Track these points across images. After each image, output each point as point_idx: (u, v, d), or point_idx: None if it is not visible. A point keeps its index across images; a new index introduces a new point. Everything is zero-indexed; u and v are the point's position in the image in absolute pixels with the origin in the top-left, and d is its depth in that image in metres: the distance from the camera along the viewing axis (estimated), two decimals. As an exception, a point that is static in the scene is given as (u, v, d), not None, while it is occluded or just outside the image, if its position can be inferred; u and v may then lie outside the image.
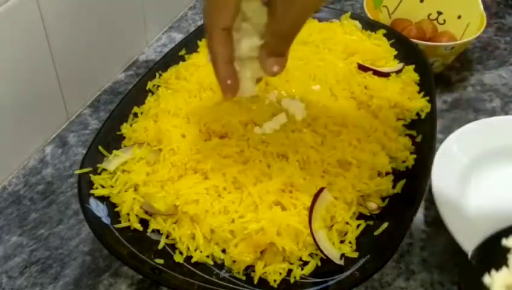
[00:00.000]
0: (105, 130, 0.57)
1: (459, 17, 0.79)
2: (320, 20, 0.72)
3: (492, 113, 0.73)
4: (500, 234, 0.39)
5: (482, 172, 0.61)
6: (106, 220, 0.50)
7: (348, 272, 0.46)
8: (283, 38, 0.45)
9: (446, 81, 0.78)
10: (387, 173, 0.54)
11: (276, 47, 0.45)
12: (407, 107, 0.60)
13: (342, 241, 0.49)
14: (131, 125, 0.59)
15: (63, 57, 0.64)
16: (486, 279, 0.36)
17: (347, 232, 0.50)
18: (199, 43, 0.70)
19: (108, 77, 0.76)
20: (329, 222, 0.49)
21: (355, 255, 0.48)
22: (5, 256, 0.55)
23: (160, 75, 0.65)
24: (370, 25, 0.72)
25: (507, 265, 0.37)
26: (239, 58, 0.45)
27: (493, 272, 0.36)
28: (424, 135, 0.58)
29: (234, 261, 0.48)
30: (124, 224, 0.50)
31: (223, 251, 0.48)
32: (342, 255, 0.48)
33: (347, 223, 0.50)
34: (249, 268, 0.48)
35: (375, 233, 0.49)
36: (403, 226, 0.49)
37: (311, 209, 0.48)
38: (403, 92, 0.61)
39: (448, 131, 0.65)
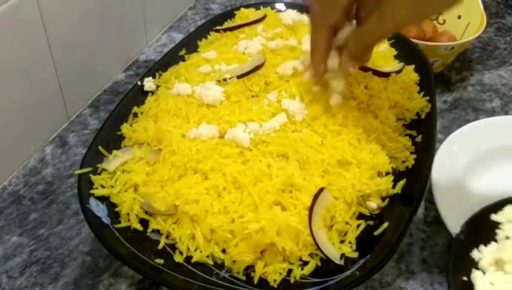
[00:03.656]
0: (105, 130, 0.57)
1: (459, 17, 0.79)
2: (320, 20, 0.72)
3: (492, 113, 0.73)
4: (488, 210, 0.38)
5: (481, 172, 0.61)
6: (106, 220, 0.50)
7: (348, 272, 0.46)
8: (366, 48, 0.50)
9: (446, 81, 0.78)
10: (387, 173, 0.54)
11: (358, 53, 0.51)
12: (407, 107, 0.60)
13: (342, 241, 0.49)
14: (131, 125, 0.59)
15: (63, 57, 0.64)
16: (475, 254, 0.36)
17: (347, 232, 0.50)
18: (199, 43, 0.70)
19: (108, 77, 0.76)
20: (329, 222, 0.49)
21: (355, 255, 0.48)
22: (5, 256, 0.55)
23: (160, 75, 0.65)
24: (370, 25, 0.72)
25: (495, 240, 0.37)
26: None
27: (482, 247, 0.36)
28: (424, 135, 0.58)
29: (234, 261, 0.48)
30: (124, 224, 0.50)
31: (223, 251, 0.48)
32: (342, 255, 0.48)
33: (347, 223, 0.50)
34: (249, 268, 0.48)
35: (375, 233, 0.49)
36: (403, 226, 0.49)
37: (311, 209, 0.48)
38: (403, 92, 0.61)
39: (448, 131, 0.65)
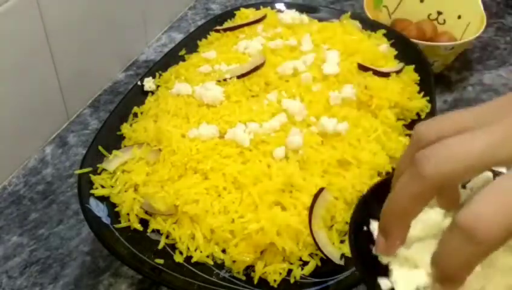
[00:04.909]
0: (105, 130, 0.57)
1: (459, 17, 0.79)
2: (320, 20, 0.72)
3: (492, 113, 0.73)
4: (386, 182, 0.38)
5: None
6: (106, 220, 0.50)
7: (348, 272, 0.46)
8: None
9: (446, 81, 0.78)
10: (387, 173, 0.54)
11: None
12: (407, 107, 0.60)
13: (342, 241, 0.49)
14: (131, 125, 0.59)
15: (63, 57, 0.64)
16: (372, 225, 0.36)
17: (347, 232, 0.50)
18: (199, 43, 0.70)
19: (108, 77, 0.76)
20: (329, 222, 0.49)
21: (355, 255, 0.48)
22: (5, 256, 0.55)
23: (160, 75, 0.65)
24: (370, 25, 0.72)
25: None
26: None
27: (375, 221, 0.36)
28: (424, 135, 0.57)
29: (234, 261, 0.48)
30: (124, 224, 0.50)
31: (223, 251, 0.48)
32: (342, 255, 0.48)
33: (347, 223, 0.50)
34: (249, 268, 0.48)
35: (375, 233, 0.49)
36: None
37: (311, 209, 0.48)
38: (403, 92, 0.61)
39: (448, 131, 0.65)
